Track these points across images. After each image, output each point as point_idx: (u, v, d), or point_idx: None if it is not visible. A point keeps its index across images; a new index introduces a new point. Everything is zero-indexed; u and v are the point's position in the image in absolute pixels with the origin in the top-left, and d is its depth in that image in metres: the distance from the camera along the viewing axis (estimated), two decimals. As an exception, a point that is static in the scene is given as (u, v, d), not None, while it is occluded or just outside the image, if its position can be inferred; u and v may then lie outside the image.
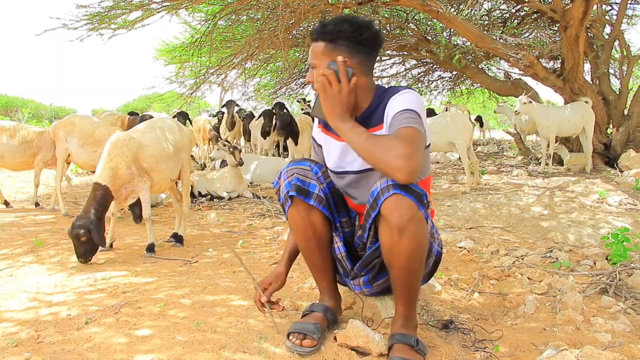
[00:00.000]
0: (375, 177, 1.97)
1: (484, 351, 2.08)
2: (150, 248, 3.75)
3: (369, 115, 2.00)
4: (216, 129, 10.12)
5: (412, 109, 1.85)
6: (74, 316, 2.26)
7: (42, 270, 3.14)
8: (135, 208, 5.00)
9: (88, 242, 3.33)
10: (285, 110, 8.36)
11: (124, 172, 3.60)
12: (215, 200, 6.84)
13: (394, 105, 1.89)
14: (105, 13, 6.33)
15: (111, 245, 3.94)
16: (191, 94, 10.19)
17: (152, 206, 6.06)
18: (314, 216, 2.02)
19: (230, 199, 6.83)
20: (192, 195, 7.00)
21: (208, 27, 7.39)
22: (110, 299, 2.53)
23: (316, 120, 2.22)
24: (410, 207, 1.74)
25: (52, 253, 3.63)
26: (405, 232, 1.74)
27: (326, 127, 2.16)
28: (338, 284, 2.35)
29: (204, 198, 7.00)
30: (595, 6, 7.50)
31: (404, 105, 1.86)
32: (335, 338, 1.97)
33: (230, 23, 8.15)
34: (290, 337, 1.90)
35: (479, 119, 17.40)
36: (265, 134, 8.83)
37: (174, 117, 7.85)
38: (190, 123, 8.36)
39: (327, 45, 1.92)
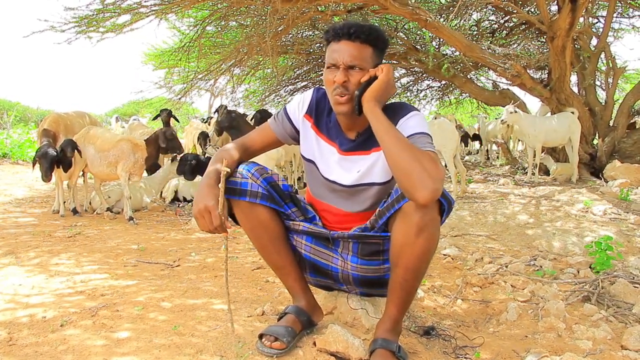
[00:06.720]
0: (370, 192, 2.00)
1: (465, 357, 2.07)
2: None
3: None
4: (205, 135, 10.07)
5: (428, 133, 1.86)
6: (50, 318, 2.21)
7: (20, 272, 3.09)
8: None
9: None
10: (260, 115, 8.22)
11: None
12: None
13: (412, 124, 1.87)
14: (94, 16, 6.28)
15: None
16: (179, 99, 10.15)
17: (136, 210, 6.06)
18: (258, 212, 2.01)
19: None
20: (177, 200, 6.96)
21: (196, 32, 7.38)
22: (88, 301, 2.49)
23: (305, 120, 2.14)
24: (434, 207, 1.73)
25: (32, 255, 3.57)
26: (424, 232, 1.72)
27: (321, 131, 2.10)
28: (327, 290, 2.38)
29: (190, 203, 6.93)
30: (582, 18, 7.58)
31: (422, 128, 1.86)
32: (314, 343, 1.95)
33: (219, 29, 8.14)
34: (263, 339, 1.87)
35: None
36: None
37: (157, 116, 7.78)
38: (177, 120, 8.31)
39: (374, 50, 1.91)
